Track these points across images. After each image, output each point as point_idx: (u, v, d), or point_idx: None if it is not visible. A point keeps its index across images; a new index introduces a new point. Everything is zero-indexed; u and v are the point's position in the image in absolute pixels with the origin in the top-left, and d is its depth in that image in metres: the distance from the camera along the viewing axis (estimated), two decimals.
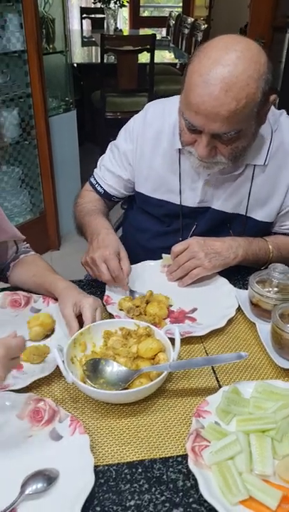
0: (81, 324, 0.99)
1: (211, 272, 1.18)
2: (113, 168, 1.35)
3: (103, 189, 1.38)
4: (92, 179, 1.41)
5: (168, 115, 1.24)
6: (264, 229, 1.28)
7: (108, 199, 1.41)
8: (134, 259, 1.18)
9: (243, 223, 1.26)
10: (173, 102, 1.21)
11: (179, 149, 1.21)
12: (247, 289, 1.11)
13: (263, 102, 1.02)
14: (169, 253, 1.21)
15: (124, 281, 1.11)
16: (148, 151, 1.27)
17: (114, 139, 1.38)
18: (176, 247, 1.18)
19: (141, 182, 1.32)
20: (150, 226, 1.36)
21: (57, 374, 0.93)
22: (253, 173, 1.20)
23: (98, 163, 1.42)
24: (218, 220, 1.27)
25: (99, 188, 1.39)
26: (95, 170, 1.42)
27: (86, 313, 0.98)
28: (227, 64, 0.94)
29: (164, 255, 1.24)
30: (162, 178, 1.28)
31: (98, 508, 0.71)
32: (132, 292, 1.15)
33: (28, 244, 1.28)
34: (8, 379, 0.89)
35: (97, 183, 1.39)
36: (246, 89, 0.96)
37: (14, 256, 1.22)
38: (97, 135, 4.46)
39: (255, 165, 1.19)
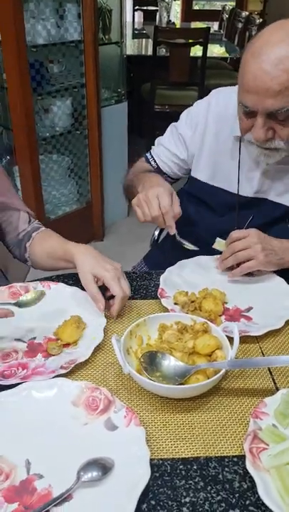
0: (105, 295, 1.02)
1: (263, 268, 1.14)
2: (170, 146, 1.37)
3: (156, 164, 1.40)
4: (147, 154, 1.43)
5: (232, 102, 1.23)
6: None
7: (160, 174, 1.41)
8: (185, 254, 1.16)
9: None
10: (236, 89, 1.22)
11: (240, 137, 1.20)
12: None
13: None
14: (225, 239, 1.18)
15: (172, 219, 1.08)
16: (209, 137, 1.27)
17: (162, 133, 1.40)
18: (236, 233, 1.15)
19: (198, 168, 1.32)
20: (204, 217, 1.35)
21: (111, 364, 0.93)
22: None
23: (156, 141, 1.44)
24: (275, 213, 1.24)
25: (152, 163, 1.41)
26: (152, 147, 1.44)
27: (114, 288, 0.99)
28: (276, 40, 0.96)
29: (218, 239, 1.21)
30: (220, 165, 1.27)
31: (153, 502, 0.70)
32: (180, 238, 1.13)
33: (37, 220, 1.26)
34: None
35: (152, 157, 1.41)
36: None
37: (29, 231, 1.21)
38: (143, 128, 4.44)
39: None
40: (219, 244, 1.20)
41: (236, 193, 1.26)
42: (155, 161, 1.40)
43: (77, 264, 1.03)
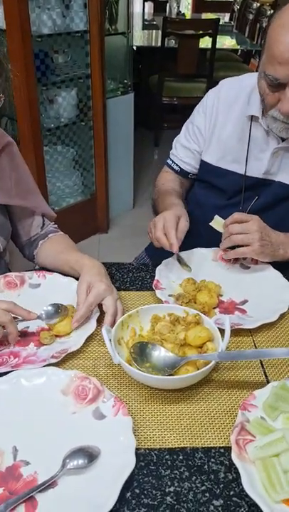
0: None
1: (255, 257, 1.14)
2: (188, 144, 1.39)
3: (179, 167, 1.42)
4: (168, 160, 1.46)
5: (244, 85, 1.26)
6: None
7: (185, 176, 1.44)
8: (195, 235, 1.18)
9: None
10: (246, 77, 1.28)
11: (251, 117, 1.22)
12: None
13: None
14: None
15: (174, 237, 1.10)
16: (220, 120, 1.29)
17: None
18: (238, 215, 1.14)
19: (208, 151, 1.33)
20: (210, 200, 1.36)
21: (102, 354, 0.93)
22: None
23: (173, 143, 1.46)
24: (281, 194, 1.25)
25: (175, 167, 1.43)
26: (171, 151, 1.47)
27: (107, 302, 0.99)
28: None
29: (216, 216, 1.20)
30: (230, 147, 1.28)
31: (137, 491, 0.71)
32: (179, 257, 1.15)
33: (56, 225, 1.28)
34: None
35: (173, 162, 1.44)
36: None
37: (42, 234, 1.22)
38: (150, 120, 4.42)
39: None
40: (216, 222, 1.19)
41: (244, 173, 1.27)
42: (177, 165, 1.42)
43: (82, 272, 1.03)
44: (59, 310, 0.97)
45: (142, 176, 3.64)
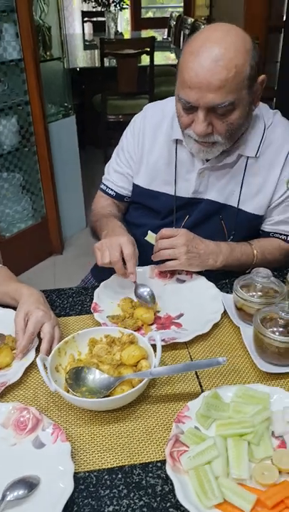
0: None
1: (185, 269, 1.21)
2: (120, 169, 1.41)
3: (114, 191, 1.44)
4: (102, 185, 1.48)
5: (167, 111, 1.31)
6: (255, 222, 1.30)
7: (120, 200, 1.46)
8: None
9: (234, 215, 1.28)
10: (170, 100, 1.31)
11: (176, 140, 1.27)
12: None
13: (253, 77, 1.08)
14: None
15: (134, 267, 1.13)
16: (147, 144, 1.33)
17: (116, 142, 1.45)
18: (166, 231, 1.20)
19: (138, 174, 1.37)
20: (145, 221, 1.39)
21: (41, 382, 0.95)
22: (246, 165, 1.24)
23: (105, 169, 1.48)
24: (211, 210, 1.30)
25: (110, 192, 1.45)
26: (103, 176, 1.48)
27: (44, 328, 1.00)
28: (215, 39, 1.04)
29: (149, 232, 1.25)
30: (159, 170, 1.33)
31: None
32: (137, 287, 1.15)
33: None
34: None
35: (107, 187, 1.45)
36: (235, 59, 1.02)
37: None
38: (99, 138, 4.48)
39: (248, 157, 1.23)
40: (150, 237, 1.25)
41: (174, 194, 1.32)
42: (112, 189, 1.44)
43: (20, 301, 1.04)
44: None
45: (93, 193, 3.59)
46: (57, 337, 1.01)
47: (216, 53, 1.02)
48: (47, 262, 3.09)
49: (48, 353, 0.95)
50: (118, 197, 1.45)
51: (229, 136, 1.13)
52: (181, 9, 7.05)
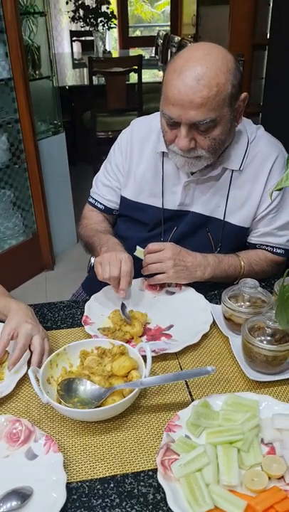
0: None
1: (173, 282, 1.24)
2: (108, 182, 1.44)
3: (103, 205, 1.46)
4: (90, 199, 1.49)
5: (154, 124, 1.34)
6: (241, 234, 1.33)
7: (109, 213, 1.48)
8: None
9: (221, 227, 1.31)
10: (156, 115, 1.35)
11: (163, 153, 1.30)
12: None
13: (235, 95, 1.11)
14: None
15: (127, 284, 1.16)
16: (135, 157, 1.37)
17: (106, 158, 1.47)
18: (153, 245, 1.23)
19: (126, 187, 1.40)
20: (133, 233, 1.42)
21: (34, 394, 0.96)
22: (231, 178, 1.28)
23: (93, 183, 1.50)
24: (197, 223, 1.33)
25: (99, 205, 1.47)
26: (91, 190, 1.50)
27: (34, 340, 1.01)
28: (198, 58, 1.07)
29: (138, 247, 1.28)
30: (146, 183, 1.36)
31: None
32: (123, 305, 1.17)
33: None
34: None
35: (96, 200, 1.47)
36: (216, 78, 1.06)
37: None
38: (89, 154, 4.53)
39: (232, 170, 1.27)
40: (139, 252, 1.28)
41: (161, 207, 1.35)
42: (101, 203, 1.46)
43: (8, 316, 1.05)
44: None
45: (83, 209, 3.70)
46: (46, 349, 1.02)
47: (198, 72, 1.05)
48: (38, 278, 3.10)
49: (39, 364, 0.97)
50: (107, 210, 1.47)
51: (213, 151, 1.16)
52: (168, 28, 7.21)
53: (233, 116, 1.15)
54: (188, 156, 1.17)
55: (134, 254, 1.28)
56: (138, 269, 1.25)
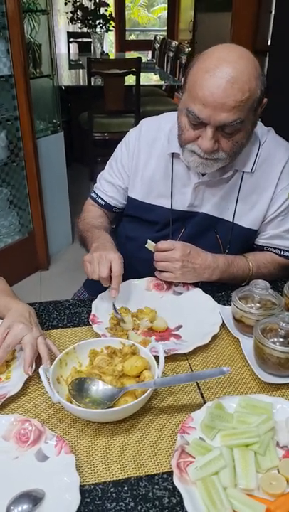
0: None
1: (180, 281, 1.23)
2: (112, 179, 1.43)
3: (104, 201, 1.46)
4: (92, 194, 1.49)
5: (163, 125, 1.33)
6: (249, 237, 1.32)
7: (109, 210, 1.47)
8: (126, 268, 1.20)
9: (230, 229, 1.30)
10: (165, 116, 1.36)
11: (172, 154, 1.28)
12: (230, 305, 1.13)
13: (260, 100, 1.11)
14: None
15: (119, 284, 1.14)
16: (143, 158, 1.35)
17: (103, 160, 1.45)
18: (162, 244, 1.21)
19: (134, 188, 1.38)
20: (140, 233, 1.39)
21: (42, 394, 0.94)
22: (241, 181, 1.26)
23: (98, 178, 1.49)
24: (206, 224, 1.32)
25: (100, 201, 1.46)
26: (95, 185, 1.50)
27: (24, 339, 0.98)
28: (231, 61, 1.06)
29: (149, 241, 1.25)
30: (155, 183, 1.34)
31: None
32: (115, 308, 1.15)
33: None
34: None
35: (98, 195, 1.47)
36: (248, 83, 1.06)
37: None
38: (85, 156, 4.51)
39: (243, 172, 1.25)
40: (149, 245, 1.25)
41: (170, 207, 1.33)
42: (102, 199, 1.46)
43: (5, 317, 1.02)
44: None
45: (79, 210, 3.57)
46: (42, 348, 0.97)
47: (232, 75, 1.04)
48: (33, 278, 3.06)
49: (30, 364, 0.94)
50: (107, 206, 1.46)
51: (233, 154, 1.15)
52: (164, 33, 7.24)
53: (254, 121, 1.15)
54: (207, 158, 1.15)
55: (145, 246, 1.26)
56: (138, 270, 1.23)
